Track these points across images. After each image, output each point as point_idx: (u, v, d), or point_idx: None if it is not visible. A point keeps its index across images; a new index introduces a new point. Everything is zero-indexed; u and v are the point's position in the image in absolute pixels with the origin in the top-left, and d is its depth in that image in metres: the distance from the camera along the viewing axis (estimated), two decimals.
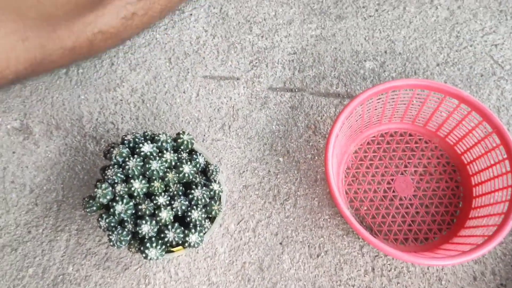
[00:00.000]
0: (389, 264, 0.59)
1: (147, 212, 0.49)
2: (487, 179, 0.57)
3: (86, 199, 0.51)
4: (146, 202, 0.50)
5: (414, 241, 0.59)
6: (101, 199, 0.49)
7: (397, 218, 0.60)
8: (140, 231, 0.48)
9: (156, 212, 0.49)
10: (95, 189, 0.49)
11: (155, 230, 0.49)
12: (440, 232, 0.59)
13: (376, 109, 0.60)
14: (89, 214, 0.53)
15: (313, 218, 0.61)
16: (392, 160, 0.63)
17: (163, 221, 0.49)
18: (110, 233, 0.50)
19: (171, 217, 0.49)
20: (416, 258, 0.48)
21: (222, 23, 0.72)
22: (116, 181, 0.50)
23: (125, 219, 0.50)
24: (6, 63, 0.59)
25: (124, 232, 0.49)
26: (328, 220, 0.61)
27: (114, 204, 0.49)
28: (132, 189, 0.49)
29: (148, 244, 0.48)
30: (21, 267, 0.59)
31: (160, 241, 0.49)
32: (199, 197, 0.51)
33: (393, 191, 0.61)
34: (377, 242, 0.49)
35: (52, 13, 0.61)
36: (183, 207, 0.50)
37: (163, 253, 0.49)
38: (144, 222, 0.49)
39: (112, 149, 0.52)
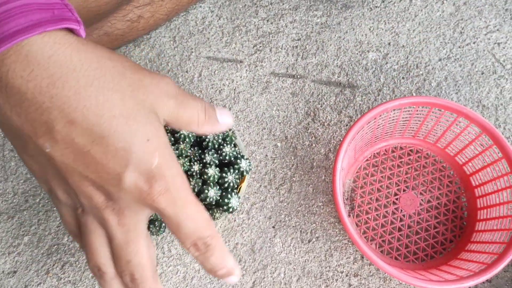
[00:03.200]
0: None
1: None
2: (491, 191, 0.56)
3: None
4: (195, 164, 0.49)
5: (422, 257, 0.58)
6: None
7: (396, 233, 0.59)
8: (206, 196, 0.48)
9: (203, 169, 0.49)
10: None
11: (219, 194, 0.48)
12: (445, 250, 0.58)
13: (380, 126, 0.59)
14: None
15: (306, 204, 0.60)
16: (396, 176, 0.62)
17: (211, 179, 0.48)
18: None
19: (217, 174, 0.49)
20: (421, 282, 0.48)
21: (228, 4, 0.70)
22: None
23: None
24: None
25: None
26: (321, 207, 0.60)
27: None
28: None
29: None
30: (16, 234, 0.58)
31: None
32: (229, 154, 0.50)
33: (397, 206, 0.60)
34: (388, 267, 0.48)
35: None
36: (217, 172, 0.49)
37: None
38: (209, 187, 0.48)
39: None
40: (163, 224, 0.49)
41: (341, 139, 0.63)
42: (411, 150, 0.63)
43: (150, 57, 0.66)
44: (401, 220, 0.59)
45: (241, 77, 0.66)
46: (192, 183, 0.48)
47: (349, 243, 0.58)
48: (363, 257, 0.58)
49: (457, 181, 0.61)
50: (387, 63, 0.67)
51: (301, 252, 0.58)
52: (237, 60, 0.66)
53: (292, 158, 0.62)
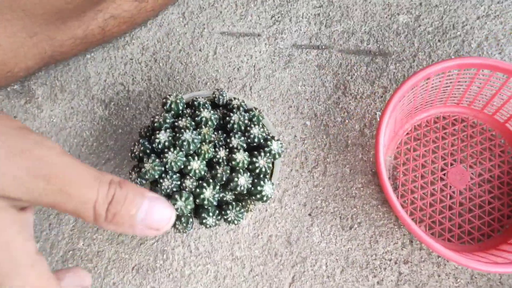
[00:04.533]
0: None
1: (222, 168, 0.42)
2: None
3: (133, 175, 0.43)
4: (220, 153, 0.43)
5: (478, 237, 0.51)
6: (151, 173, 0.41)
7: (446, 212, 0.53)
8: (236, 185, 0.41)
9: (230, 155, 0.42)
10: (144, 163, 0.41)
11: (250, 181, 0.42)
12: (503, 227, 0.51)
13: (424, 93, 0.52)
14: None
15: (344, 187, 0.53)
16: (441, 149, 0.55)
17: (240, 165, 0.42)
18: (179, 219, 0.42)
19: (247, 159, 0.42)
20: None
21: None
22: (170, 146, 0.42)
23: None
24: (14, 61, 0.51)
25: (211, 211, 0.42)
26: (361, 189, 0.53)
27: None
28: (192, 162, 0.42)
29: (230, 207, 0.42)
30: None
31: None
32: (258, 136, 0.44)
33: (445, 182, 0.53)
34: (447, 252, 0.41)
35: (62, 7, 0.52)
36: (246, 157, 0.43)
37: (242, 211, 0.43)
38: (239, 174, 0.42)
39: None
40: (191, 220, 0.43)
41: (376, 112, 0.56)
42: (455, 120, 0.56)
43: (158, 37, 0.59)
44: (451, 197, 0.53)
45: (260, 52, 0.59)
46: (219, 171, 0.41)
47: (396, 227, 0.52)
48: (412, 242, 0.51)
49: (509, 151, 0.54)
50: (420, 25, 0.59)
51: (342, 240, 0.51)
52: (254, 34, 0.59)
53: (324, 137, 0.55)
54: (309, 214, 0.52)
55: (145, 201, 0.31)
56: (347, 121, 0.56)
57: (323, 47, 0.59)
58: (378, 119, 0.56)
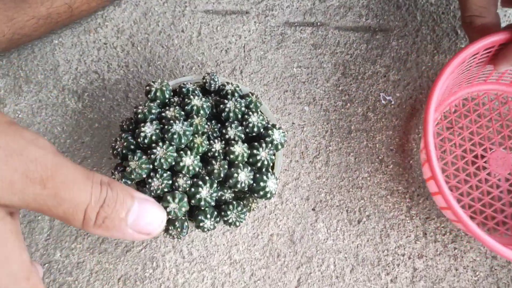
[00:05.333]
0: (442, 227, 0.47)
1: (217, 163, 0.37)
2: None
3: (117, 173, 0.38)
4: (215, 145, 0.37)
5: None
6: (138, 172, 0.35)
7: (496, 204, 0.48)
8: (236, 181, 0.36)
9: (227, 148, 0.37)
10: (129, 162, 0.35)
11: (251, 177, 0.37)
12: None
13: (483, 64, 0.47)
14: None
15: (349, 177, 0.48)
16: (476, 134, 0.50)
17: (239, 158, 0.36)
18: (172, 224, 0.37)
19: (246, 151, 0.37)
20: None
21: None
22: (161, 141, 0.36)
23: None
24: None
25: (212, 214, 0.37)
26: (368, 178, 0.48)
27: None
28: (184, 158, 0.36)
29: (229, 207, 0.37)
30: None
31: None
32: (257, 125, 0.38)
33: (488, 171, 0.48)
34: None
35: None
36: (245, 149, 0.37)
37: (244, 210, 0.38)
38: (239, 170, 0.36)
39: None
40: (186, 224, 0.37)
41: (380, 93, 0.51)
42: (485, 98, 0.51)
43: (135, 17, 0.52)
44: (497, 186, 0.48)
45: (249, 31, 0.53)
46: (215, 166, 0.36)
47: (407, 219, 0.47)
48: (426, 234, 0.47)
49: None
50: None
51: (351, 236, 0.47)
52: (242, 11, 0.53)
53: (325, 123, 0.50)
54: (313, 209, 0.47)
55: (135, 203, 0.29)
56: (348, 104, 0.50)
57: (319, 24, 0.53)
58: (383, 101, 0.50)
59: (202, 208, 0.36)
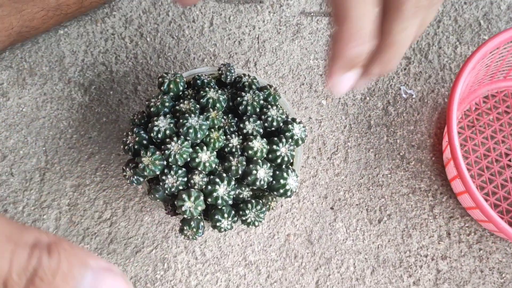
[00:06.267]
0: (467, 227, 0.45)
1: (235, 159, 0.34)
2: None
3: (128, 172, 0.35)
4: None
5: None
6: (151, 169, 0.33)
7: None
8: (255, 178, 0.33)
9: (245, 143, 0.34)
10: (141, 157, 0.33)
11: (270, 174, 0.34)
12: None
13: (503, 59, 0.45)
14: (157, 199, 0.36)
15: (369, 174, 0.46)
16: (499, 132, 0.47)
17: (258, 154, 0.34)
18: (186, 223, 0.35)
19: (265, 146, 0.34)
20: None
21: None
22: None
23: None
24: None
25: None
26: (389, 175, 0.46)
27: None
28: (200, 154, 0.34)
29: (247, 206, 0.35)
30: None
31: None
32: (276, 119, 0.36)
33: (510, 161, 0.46)
34: None
35: None
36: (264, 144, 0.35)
37: (263, 210, 0.35)
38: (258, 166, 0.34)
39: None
40: (202, 224, 0.34)
41: (401, 87, 0.48)
42: (505, 96, 0.48)
43: (144, 7, 0.50)
44: None
45: (264, 21, 0.50)
46: (233, 162, 0.33)
47: (430, 218, 0.45)
48: (449, 234, 0.44)
49: None
50: None
51: (371, 236, 0.44)
52: (256, 1, 0.51)
53: (343, 117, 0.47)
54: (331, 208, 0.45)
55: (88, 274, 0.21)
56: (368, 98, 0.48)
57: None
58: (404, 95, 0.48)
59: (219, 207, 0.34)
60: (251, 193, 0.35)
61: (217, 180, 0.33)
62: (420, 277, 0.43)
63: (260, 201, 0.35)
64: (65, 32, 0.48)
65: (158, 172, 0.33)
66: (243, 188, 0.35)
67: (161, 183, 0.33)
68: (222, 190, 0.33)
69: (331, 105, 0.48)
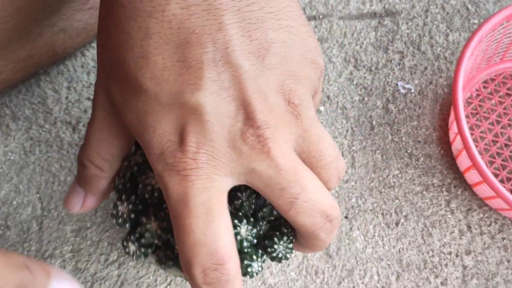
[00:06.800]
0: (486, 218, 0.43)
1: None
2: None
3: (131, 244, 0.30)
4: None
5: None
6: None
7: None
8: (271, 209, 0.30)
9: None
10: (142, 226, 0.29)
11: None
12: None
13: (498, 41, 0.43)
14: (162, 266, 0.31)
15: (379, 176, 0.44)
16: (503, 116, 0.46)
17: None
18: None
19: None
20: None
21: None
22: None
23: None
24: None
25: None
26: (399, 176, 0.44)
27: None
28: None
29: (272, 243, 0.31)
30: None
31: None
32: None
33: None
34: None
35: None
36: None
37: (291, 238, 0.32)
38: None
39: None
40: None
41: (397, 83, 0.47)
42: (504, 78, 0.47)
43: None
44: None
45: None
46: (243, 198, 0.30)
47: (448, 213, 0.43)
48: (470, 227, 0.43)
49: None
50: None
51: (391, 240, 0.42)
52: None
53: (344, 122, 0.46)
54: (346, 217, 0.43)
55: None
56: (366, 98, 0.46)
57: (321, 16, 0.49)
58: (402, 90, 0.47)
59: (246, 251, 0.31)
60: (269, 225, 0.32)
61: (236, 221, 0.29)
62: (447, 276, 0.41)
63: (285, 230, 0.32)
64: (44, 71, 0.46)
65: (170, 235, 0.30)
66: (260, 223, 0.32)
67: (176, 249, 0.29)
68: (244, 230, 0.30)
69: (330, 110, 0.46)
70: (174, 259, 0.30)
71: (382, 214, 0.43)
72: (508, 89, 0.47)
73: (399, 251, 0.42)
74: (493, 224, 0.43)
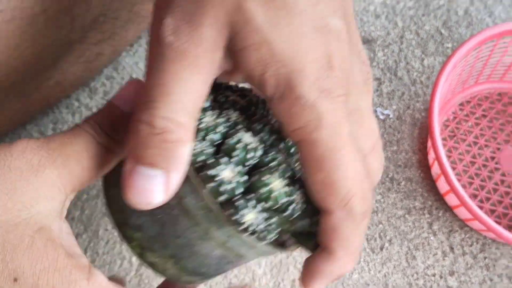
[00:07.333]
0: (468, 238, 0.44)
1: None
2: None
3: None
4: None
5: None
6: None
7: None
8: None
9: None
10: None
11: None
12: None
13: (472, 65, 0.45)
14: None
15: None
16: (480, 137, 0.48)
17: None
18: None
19: None
20: None
21: None
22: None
23: None
24: None
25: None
26: (382, 200, 0.45)
27: None
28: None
29: None
30: None
31: None
32: None
33: (496, 164, 0.47)
34: None
35: None
36: None
37: None
38: None
39: None
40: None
41: (376, 109, 0.48)
42: (479, 100, 0.49)
43: (106, 74, 0.48)
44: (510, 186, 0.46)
45: None
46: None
47: (430, 235, 0.44)
48: (452, 248, 0.44)
49: None
50: (398, 2, 0.52)
51: (376, 265, 0.43)
52: None
53: None
54: None
55: None
56: None
57: None
58: (381, 116, 0.48)
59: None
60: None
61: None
62: None
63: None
64: None
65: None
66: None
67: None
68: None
69: None
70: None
71: (367, 239, 0.44)
72: (484, 110, 0.48)
73: (385, 275, 0.43)
74: (475, 244, 0.44)
